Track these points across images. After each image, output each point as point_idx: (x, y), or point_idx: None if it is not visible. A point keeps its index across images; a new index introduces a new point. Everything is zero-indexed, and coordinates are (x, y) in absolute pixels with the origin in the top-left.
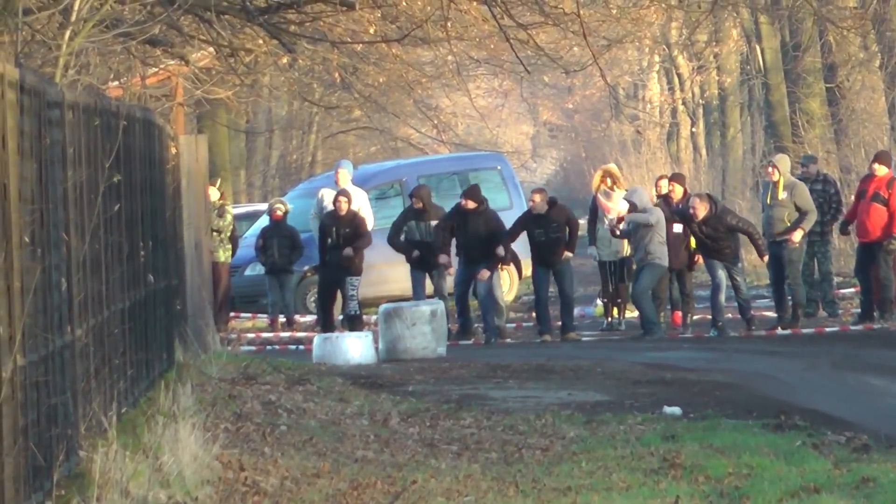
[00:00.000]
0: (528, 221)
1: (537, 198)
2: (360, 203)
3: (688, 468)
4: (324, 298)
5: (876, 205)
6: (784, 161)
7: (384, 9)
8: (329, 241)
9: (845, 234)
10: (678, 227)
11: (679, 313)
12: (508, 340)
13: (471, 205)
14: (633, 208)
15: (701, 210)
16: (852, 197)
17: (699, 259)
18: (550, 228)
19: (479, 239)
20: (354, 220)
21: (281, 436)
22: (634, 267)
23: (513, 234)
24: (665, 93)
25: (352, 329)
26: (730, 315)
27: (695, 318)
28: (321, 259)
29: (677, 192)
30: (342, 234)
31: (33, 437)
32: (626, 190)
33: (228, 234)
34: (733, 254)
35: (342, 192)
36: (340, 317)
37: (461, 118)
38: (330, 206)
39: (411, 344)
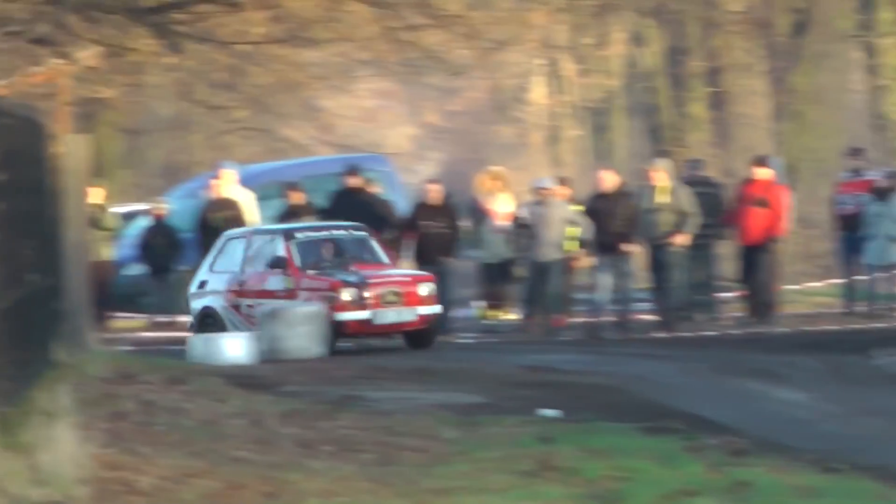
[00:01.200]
0: (421, 211)
1: (434, 188)
2: (248, 204)
3: (564, 470)
4: None
5: (758, 209)
6: (666, 165)
7: (272, 10)
8: (207, 228)
9: (725, 238)
10: None
11: (558, 316)
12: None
13: (353, 181)
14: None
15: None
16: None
17: (578, 259)
18: (439, 222)
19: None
20: (234, 204)
21: (158, 435)
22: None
23: (407, 223)
24: (549, 95)
25: None
26: (612, 318)
27: (576, 320)
28: (201, 249)
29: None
30: (220, 218)
31: None
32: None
33: (111, 233)
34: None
35: (215, 177)
36: None
37: (345, 119)
38: None
39: (291, 344)
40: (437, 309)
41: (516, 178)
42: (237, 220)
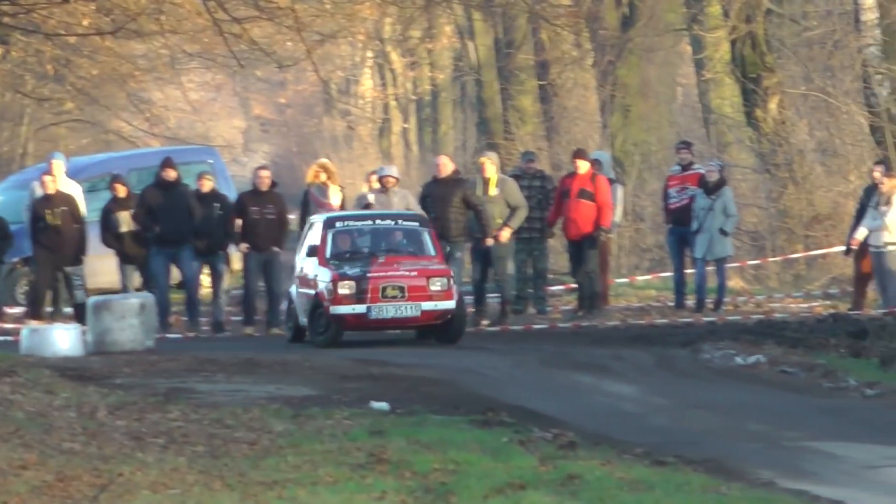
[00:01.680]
0: (248, 199)
1: (264, 173)
2: (78, 197)
3: (394, 463)
4: (38, 287)
5: (583, 201)
6: (494, 158)
7: (98, 1)
8: (41, 223)
9: (550, 235)
10: None
11: None
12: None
13: (171, 174)
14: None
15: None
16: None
17: None
18: (267, 209)
19: (180, 216)
20: (68, 199)
21: None
22: None
23: (235, 209)
24: (378, 88)
25: (79, 319)
26: None
27: None
28: (34, 244)
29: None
30: (56, 214)
31: None
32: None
33: None
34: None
35: (46, 172)
36: (68, 308)
37: (173, 112)
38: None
39: (120, 336)
40: (449, 305)
41: (346, 170)
42: (73, 215)
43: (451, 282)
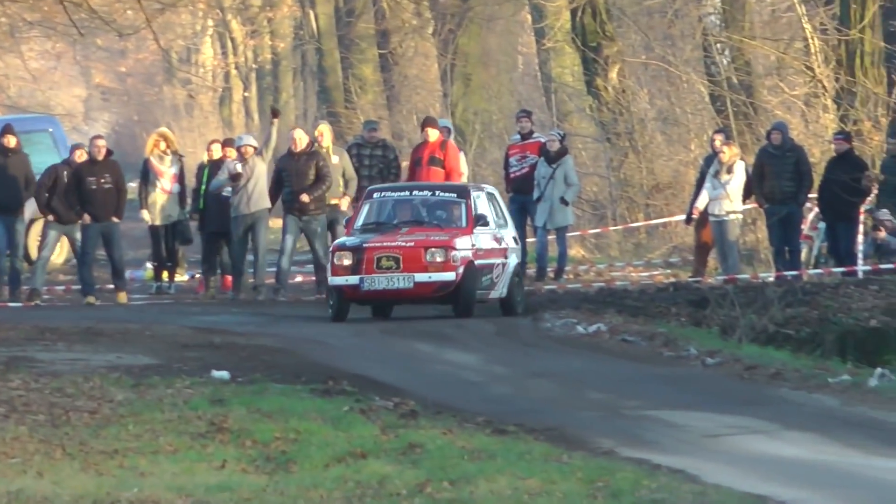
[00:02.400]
0: (83, 170)
1: (100, 143)
2: None
3: (235, 432)
4: None
5: (434, 168)
6: (328, 128)
7: None
8: None
9: None
10: (227, 190)
11: (229, 278)
12: (59, 303)
13: (11, 141)
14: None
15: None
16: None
17: None
18: (104, 178)
19: (16, 184)
20: None
21: None
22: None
23: (73, 178)
24: (218, 57)
25: None
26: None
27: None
28: None
29: (232, 155)
30: None
31: None
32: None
33: None
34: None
35: None
36: None
37: (14, 80)
38: None
39: None
40: (447, 276)
41: (187, 139)
42: None
43: (455, 254)
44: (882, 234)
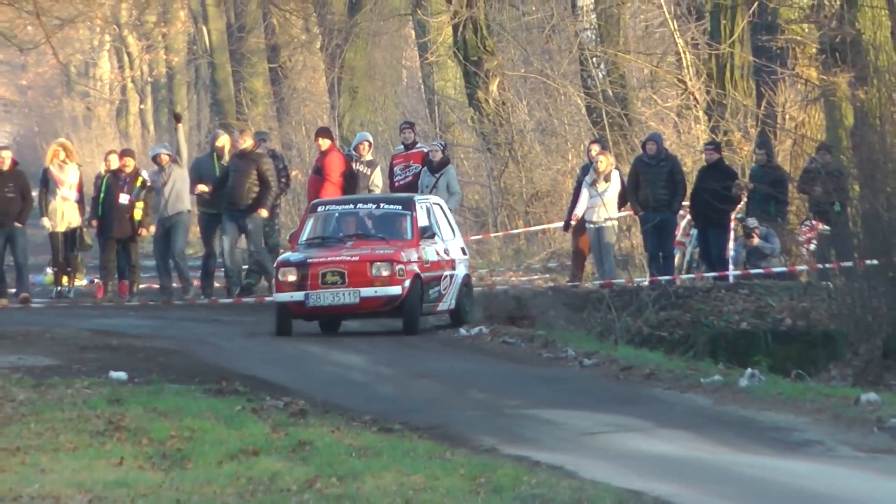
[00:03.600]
0: None
1: (5, 154)
2: None
3: (132, 430)
4: None
5: (316, 177)
6: (225, 138)
7: None
8: None
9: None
10: (124, 198)
11: (126, 283)
12: None
13: None
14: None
15: None
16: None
17: (142, 231)
18: (8, 188)
19: None
20: None
21: None
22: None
23: None
24: (115, 71)
25: None
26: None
27: (141, 286)
28: None
29: (130, 164)
30: None
31: None
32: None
33: None
34: None
35: None
36: None
37: None
38: None
39: None
40: (393, 291)
41: (85, 149)
42: None
43: (401, 267)
44: (755, 240)
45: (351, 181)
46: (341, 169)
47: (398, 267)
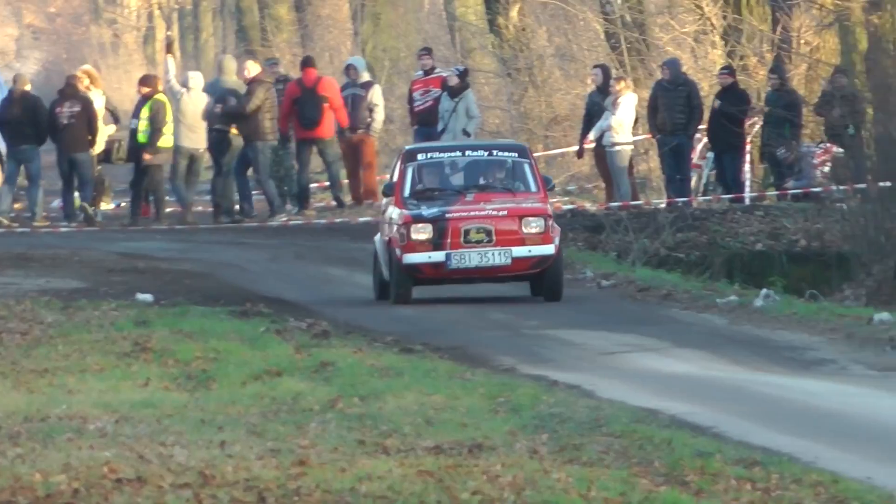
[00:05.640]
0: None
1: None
2: None
3: (158, 352)
4: None
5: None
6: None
7: None
8: None
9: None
10: (133, 123)
11: (146, 206)
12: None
13: None
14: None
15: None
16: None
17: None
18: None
19: None
20: None
21: None
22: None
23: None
24: None
25: None
26: (200, 207)
27: (167, 210)
28: None
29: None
30: None
31: None
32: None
33: None
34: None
35: None
36: None
37: None
38: None
39: None
40: (546, 250)
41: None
42: None
43: (553, 223)
44: (788, 183)
45: (300, 109)
46: (291, 96)
47: (550, 223)
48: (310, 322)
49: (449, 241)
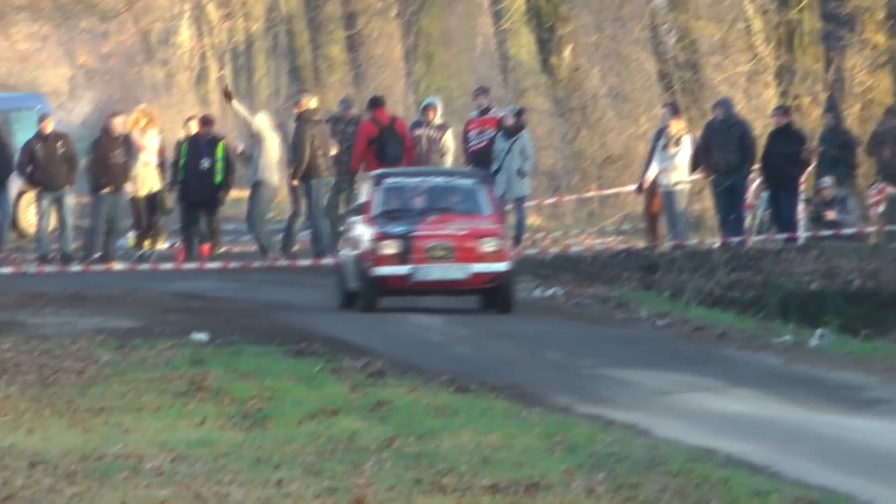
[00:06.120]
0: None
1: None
2: None
3: (214, 391)
4: None
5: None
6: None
7: None
8: None
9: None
10: (205, 163)
11: (206, 246)
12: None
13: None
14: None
15: None
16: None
17: (222, 195)
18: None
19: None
20: None
21: None
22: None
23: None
24: (195, 38)
25: None
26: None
27: (222, 249)
28: None
29: (209, 131)
30: None
31: None
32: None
33: None
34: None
35: None
36: None
37: (2, 61)
38: None
39: None
40: (500, 267)
41: (165, 116)
42: None
43: (505, 242)
44: (830, 215)
45: (381, 147)
46: (369, 136)
47: (504, 242)
48: (365, 361)
49: (414, 256)
